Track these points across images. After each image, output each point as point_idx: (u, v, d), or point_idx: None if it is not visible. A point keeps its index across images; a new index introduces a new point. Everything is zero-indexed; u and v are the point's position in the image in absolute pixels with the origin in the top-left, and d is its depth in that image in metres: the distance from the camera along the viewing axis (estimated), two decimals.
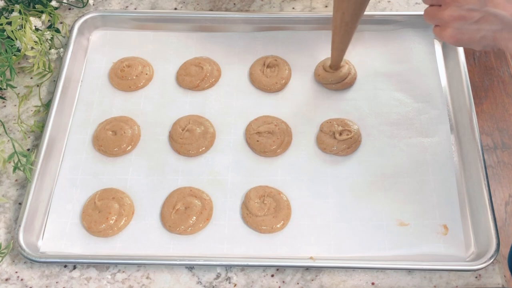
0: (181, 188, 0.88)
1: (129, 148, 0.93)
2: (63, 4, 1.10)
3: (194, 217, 0.85)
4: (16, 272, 0.83)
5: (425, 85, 0.98)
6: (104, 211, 0.86)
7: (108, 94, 1.00)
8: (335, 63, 0.97)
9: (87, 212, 0.86)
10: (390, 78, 0.99)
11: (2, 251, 0.83)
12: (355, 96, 0.97)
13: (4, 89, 0.97)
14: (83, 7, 1.10)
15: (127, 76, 1.00)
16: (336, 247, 0.83)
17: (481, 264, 0.79)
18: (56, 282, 0.82)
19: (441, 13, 0.71)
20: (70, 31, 1.04)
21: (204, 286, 0.81)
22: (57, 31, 1.05)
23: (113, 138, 0.93)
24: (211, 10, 1.09)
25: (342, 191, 0.88)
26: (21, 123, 0.96)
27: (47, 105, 0.97)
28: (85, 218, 0.86)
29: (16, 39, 0.96)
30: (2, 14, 1.02)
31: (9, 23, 0.97)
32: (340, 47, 0.92)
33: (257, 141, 0.92)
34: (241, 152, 0.93)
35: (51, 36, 1.03)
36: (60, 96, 0.96)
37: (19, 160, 0.86)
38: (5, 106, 0.99)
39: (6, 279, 0.82)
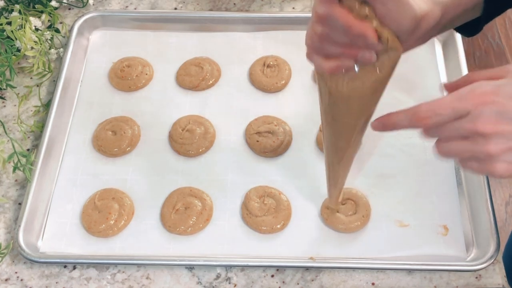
0: (181, 188, 0.88)
1: (129, 148, 0.93)
2: (63, 4, 1.10)
3: (194, 217, 0.85)
4: (16, 272, 0.83)
5: (425, 85, 0.98)
6: (104, 211, 0.86)
7: (108, 94, 1.00)
8: (334, 203, 0.84)
9: (87, 212, 0.86)
10: (390, 78, 0.99)
11: (2, 251, 0.83)
12: None
13: (4, 89, 0.97)
14: (83, 7, 1.10)
15: (127, 76, 1.00)
16: (336, 247, 0.83)
17: (481, 264, 0.79)
18: (56, 282, 0.82)
19: (482, 148, 0.58)
20: (70, 31, 1.04)
21: (204, 286, 0.81)
22: (57, 31, 1.05)
23: (113, 138, 0.93)
24: (211, 10, 1.09)
25: None
26: (21, 123, 0.96)
27: (47, 105, 0.97)
28: (85, 218, 0.86)
29: (16, 39, 0.95)
30: (2, 14, 1.02)
31: (9, 23, 0.97)
32: (336, 180, 0.79)
33: (257, 141, 0.92)
34: (241, 152, 0.92)
35: (51, 36, 1.03)
36: (60, 96, 0.96)
37: (19, 160, 0.86)
38: (5, 106, 0.99)
39: (6, 279, 0.82)
